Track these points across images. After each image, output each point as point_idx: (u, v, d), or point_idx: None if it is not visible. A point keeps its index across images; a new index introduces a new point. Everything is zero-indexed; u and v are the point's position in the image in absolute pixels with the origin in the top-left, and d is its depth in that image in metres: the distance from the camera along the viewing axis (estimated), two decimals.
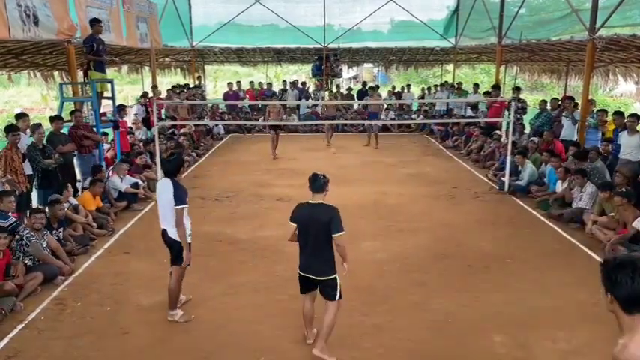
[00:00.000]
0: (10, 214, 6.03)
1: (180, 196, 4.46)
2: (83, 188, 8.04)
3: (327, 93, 18.39)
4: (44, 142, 7.44)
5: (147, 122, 12.57)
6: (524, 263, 6.09)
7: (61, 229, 6.36)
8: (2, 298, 4.87)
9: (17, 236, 5.54)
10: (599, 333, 4.33)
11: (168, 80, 20.39)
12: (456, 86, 16.80)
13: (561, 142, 9.96)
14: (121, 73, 18.33)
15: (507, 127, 10.18)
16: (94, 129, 8.81)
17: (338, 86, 19.61)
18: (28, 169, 7.11)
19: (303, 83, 19.61)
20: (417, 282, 5.57)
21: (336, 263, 4.06)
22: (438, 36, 18.04)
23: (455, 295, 5.25)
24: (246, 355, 4.23)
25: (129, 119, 12.73)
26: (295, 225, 4.10)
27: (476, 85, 15.94)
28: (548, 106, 11.45)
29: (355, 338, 4.45)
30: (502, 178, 9.48)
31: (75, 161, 8.41)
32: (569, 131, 10.17)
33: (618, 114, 8.45)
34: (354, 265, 5.73)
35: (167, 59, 19.44)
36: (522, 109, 12.53)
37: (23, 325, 4.71)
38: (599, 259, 6.19)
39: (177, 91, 15.15)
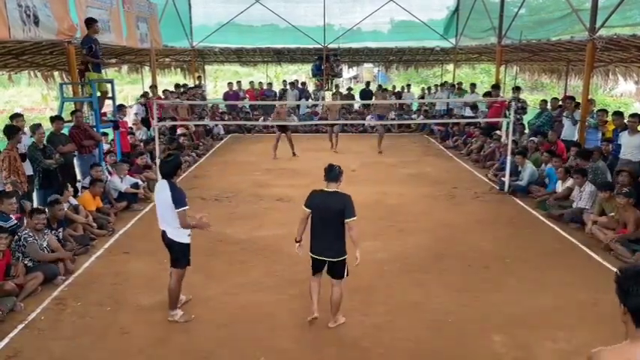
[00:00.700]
0: (11, 215, 6.05)
1: (178, 199, 4.43)
2: (83, 187, 8.03)
3: (328, 93, 18.41)
4: (45, 142, 7.45)
5: (147, 122, 12.58)
6: (524, 263, 6.09)
7: (60, 229, 6.35)
8: (2, 298, 4.87)
9: (17, 237, 5.54)
10: (599, 333, 4.33)
11: (168, 80, 20.39)
12: (456, 86, 16.81)
13: (562, 142, 9.96)
14: (121, 73, 18.33)
15: (507, 127, 10.18)
16: (94, 129, 8.81)
17: (337, 86, 19.60)
18: (27, 169, 7.12)
19: (303, 83, 19.61)
20: (417, 282, 5.57)
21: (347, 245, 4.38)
22: (438, 36, 18.04)
23: (455, 295, 5.25)
24: (246, 355, 4.23)
25: (129, 119, 12.74)
26: (309, 210, 4.40)
27: (473, 85, 15.97)
28: (549, 106, 11.46)
29: (355, 338, 4.45)
30: (502, 178, 9.48)
31: (75, 161, 8.42)
32: (569, 131, 10.17)
33: (618, 114, 8.45)
34: (352, 266, 5.76)
35: (167, 59, 19.44)
36: (522, 109, 12.52)
37: (23, 325, 4.71)
38: (599, 259, 6.21)
39: (176, 91, 15.15)
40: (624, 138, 7.78)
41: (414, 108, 18.37)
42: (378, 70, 27.33)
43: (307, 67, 21.96)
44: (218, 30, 17.65)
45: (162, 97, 14.01)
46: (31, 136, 7.39)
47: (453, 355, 4.23)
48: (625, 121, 8.27)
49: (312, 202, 4.39)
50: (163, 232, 4.62)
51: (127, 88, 24.80)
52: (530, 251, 6.47)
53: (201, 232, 6.78)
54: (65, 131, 8.27)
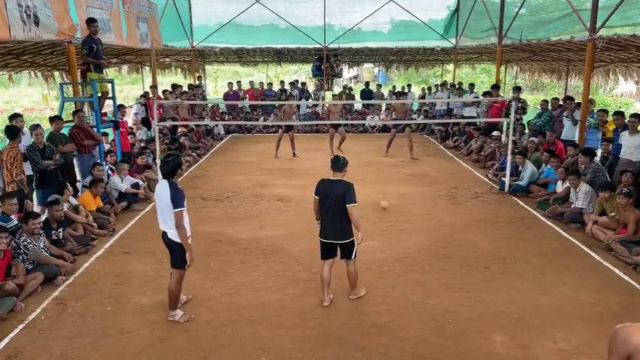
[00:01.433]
0: (13, 215, 6.06)
1: (177, 199, 4.43)
2: (84, 187, 8.04)
3: (328, 93, 18.39)
4: (45, 142, 7.45)
5: (147, 122, 12.60)
6: (524, 263, 6.09)
7: (60, 229, 6.36)
8: (3, 298, 4.87)
9: (14, 244, 5.50)
10: (599, 333, 4.34)
11: (168, 80, 20.40)
12: (457, 86, 16.82)
13: (562, 142, 9.96)
14: (121, 73, 18.33)
15: (507, 127, 10.19)
16: (94, 129, 8.81)
17: (345, 87, 19.54)
18: (27, 169, 7.13)
19: (303, 84, 19.61)
20: (417, 282, 5.57)
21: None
22: (439, 36, 18.05)
23: (455, 294, 5.25)
24: (246, 355, 4.23)
25: (129, 119, 12.74)
26: (318, 197, 4.83)
27: (471, 85, 15.98)
28: (549, 106, 11.46)
29: (355, 338, 4.45)
30: (502, 178, 9.48)
31: (75, 161, 8.42)
32: (569, 131, 10.17)
33: (619, 114, 8.45)
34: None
35: (167, 59, 19.45)
36: (522, 108, 12.53)
37: (24, 325, 4.71)
38: (599, 259, 6.21)
39: (174, 91, 15.14)
40: (624, 138, 7.78)
41: (414, 108, 18.37)
42: (379, 70, 27.34)
43: (307, 67, 21.96)
44: (218, 30, 17.66)
45: (162, 97, 14.01)
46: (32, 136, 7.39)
47: (453, 355, 4.23)
48: (625, 121, 8.26)
49: (319, 189, 4.84)
50: (164, 233, 4.62)
51: (127, 88, 24.82)
52: (530, 251, 6.47)
53: (202, 233, 6.83)
54: (65, 131, 8.28)
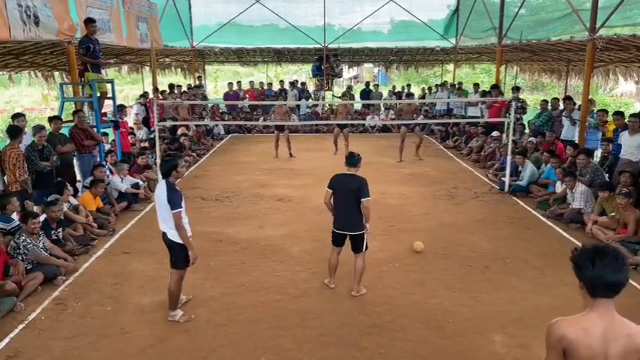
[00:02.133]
0: (14, 215, 6.05)
1: (173, 200, 4.42)
2: (84, 187, 8.04)
3: (328, 93, 18.37)
4: (44, 142, 7.44)
5: (147, 122, 12.60)
6: (524, 263, 6.10)
7: (60, 229, 6.36)
8: (3, 298, 4.87)
9: (13, 244, 5.50)
10: None
11: (168, 80, 20.40)
12: (457, 86, 16.82)
13: (561, 142, 9.96)
14: (121, 74, 18.33)
15: (507, 127, 10.18)
16: (94, 129, 8.81)
17: (349, 87, 19.51)
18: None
19: (303, 83, 19.61)
20: (417, 282, 5.58)
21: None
22: (439, 36, 18.05)
23: (455, 295, 5.25)
24: (246, 355, 4.23)
25: (130, 119, 12.74)
26: (331, 191, 5.10)
27: (476, 85, 15.98)
28: (549, 106, 11.45)
29: (355, 338, 4.45)
30: (502, 178, 9.48)
31: (75, 161, 8.42)
32: (569, 131, 10.17)
33: (619, 114, 8.45)
34: (353, 266, 5.75)
35: (167, 59, 19.45)
36: (522, 108, 12.53)
37: (24, 325, 4.71)
38: None
39: (176, 91, 15.15)
40: (624, 138, 7.77)
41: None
42: (379, 70, 27.33)
43: (307, 67, 21.96)
44: (218, 30, 17.67)
45: (162, 98, 14.01)
46: (33, 136, 7.38)
47: (453, 355, 4.23)
48: (626, 120, 8.27)
49: (333, 183, 5.11)
50: (164, 233, 4.62)
51: (127, 88, 24.81)
52: (530, 251, 6.47)
53: (202, 232, 6.83)
54: (65, 131, 8.27)
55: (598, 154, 9.69)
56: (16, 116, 7.70)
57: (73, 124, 8.48)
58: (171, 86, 15.85)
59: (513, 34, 12.60)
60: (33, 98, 23.86)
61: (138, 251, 6.51)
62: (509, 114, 9.45)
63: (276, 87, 19.41)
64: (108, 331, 4.60)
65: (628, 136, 7.69)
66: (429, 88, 18.58)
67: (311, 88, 19.70)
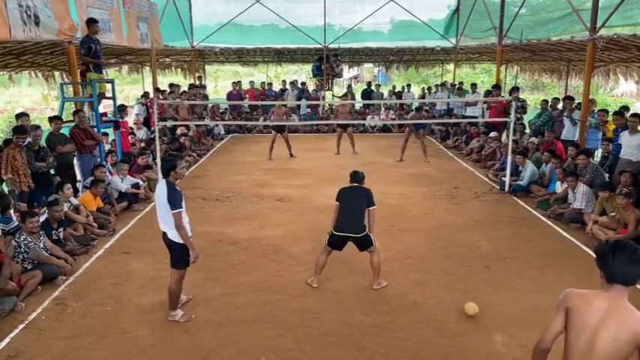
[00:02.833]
0: (13, 215, 6.05)
1: (173, 200, 4.42)
2: (84, 187, 8.04)
3: (328, 93, 18.35)
4: (43, 142, 7.43)
5: (148, 122, 12.60)
6: (524, 263, 6.10)
7: (60, 229, 6.36)
8: (3, 298, 4.87)
9: (14, 243, 5.50)
10: None
11: (168, 80, 20.41)
12: (457, 86, 16.82)
13: (562, 142, 9.96)
14: (121, 74, 18.34)
15: (507, 127, 10.18)
16: (95, 129, 8.82)
17: (350, 86, 19.50)
18: None
19: (303, 83, 19.61)
20: (418, 282, 5.58)
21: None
22: (439, 36, 18.04)
23: (455, 295, 5.25)
24: (246, 355, 4.23)
25: (130, 119, 12.74)
26: (338, 203, 5.33)
27: (473, 85, 16.00)
28: (549, 106, 11.45)
29: (356, 338, 4.45)
30: (503, 178, 9.48)
31: (75, 161, 8.42)
32: (569, 131, 10.17)
33: (619, 114, 8.45)
34: (354, 266, 5.75)
35: (167, 59, 19.45)
36: (522, 108, 12.52)
37: (24, 325, 4.71)
38: None
39: (175, 91, 15.14)
40: (624, 138, 7.77)
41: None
42: (379, 70, 27.34)
43: (307, 67, 21.96)
44: (218, 30, 17.67)
45: (162, 97, 14.00)
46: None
47: (453, 355, 4.24)
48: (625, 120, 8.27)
49: (341, 196, 5.37)
50: (164, 233, 4.62)
51: (127, 88, 24.82)
52: (530, 251, 6.47)
53: (202, 232, 6.83)
54: (65, 131, 8.28)
55: (598, 154, 9.69)
56: (20, 115, 7.69)
57: (73, 124, 8.48)
58: (171, 86, 15.88)
59: (514, 33, 12.60)
60: (33, 98, 23.88)
61: (138, 251, 6.52)
62: (510, 114, 9.45)
63: (277, 87, 19.40)
64: (108, 331, 4.60)
65: (628, 136, 7.69)
66: (429, 88, 18.59)
67: (311, 88, 19.70)
